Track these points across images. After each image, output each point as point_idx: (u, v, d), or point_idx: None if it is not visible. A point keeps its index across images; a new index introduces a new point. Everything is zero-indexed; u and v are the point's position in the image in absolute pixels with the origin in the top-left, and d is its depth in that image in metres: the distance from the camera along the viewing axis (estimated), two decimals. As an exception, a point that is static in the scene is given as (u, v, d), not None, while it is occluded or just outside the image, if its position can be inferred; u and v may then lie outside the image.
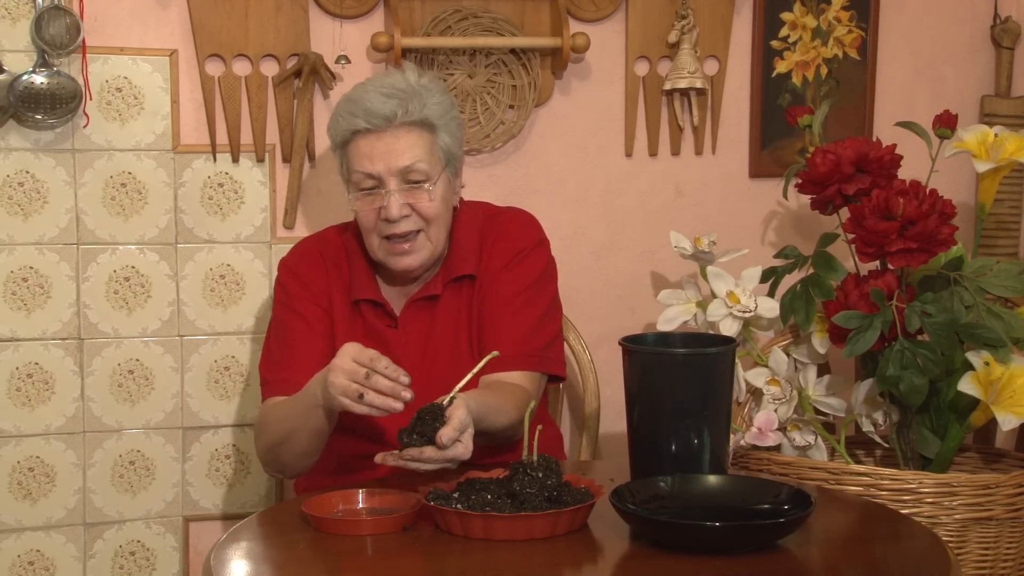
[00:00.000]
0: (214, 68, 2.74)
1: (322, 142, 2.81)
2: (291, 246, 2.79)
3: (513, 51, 2.86)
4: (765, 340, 2.63)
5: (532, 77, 2.88)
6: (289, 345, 2.38)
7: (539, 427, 1.99)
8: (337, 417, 2.18)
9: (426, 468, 1.99)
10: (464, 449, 1.98)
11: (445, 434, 1.95)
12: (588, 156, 2.98)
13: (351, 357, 2.05)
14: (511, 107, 2.89)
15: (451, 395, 2.02)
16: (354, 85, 2.38)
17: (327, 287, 2.40)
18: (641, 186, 3.01)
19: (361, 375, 2.03)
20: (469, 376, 2.05)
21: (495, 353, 2.07)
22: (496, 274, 2.38)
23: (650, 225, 3.02)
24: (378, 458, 2.02)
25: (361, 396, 2.03)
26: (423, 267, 2.35)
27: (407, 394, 2.03)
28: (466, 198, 2.50)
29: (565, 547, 1.86)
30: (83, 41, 2.63)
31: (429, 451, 1.96)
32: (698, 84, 2.91)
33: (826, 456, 2.56)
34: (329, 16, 2.79)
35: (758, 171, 3.06)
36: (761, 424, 2.48)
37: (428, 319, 2.38)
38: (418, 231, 2.31)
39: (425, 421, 1.98)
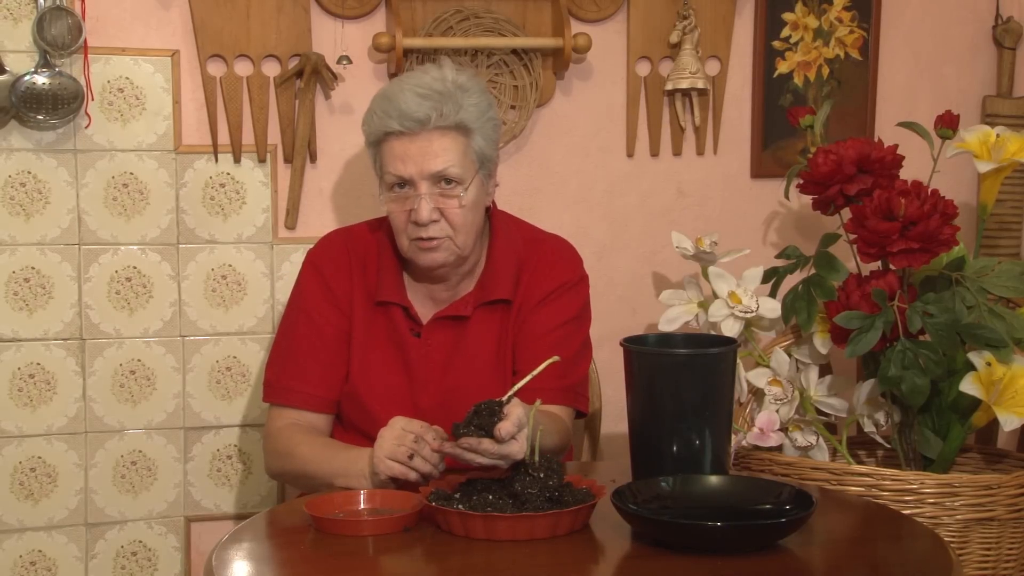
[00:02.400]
0: (216, 68, 2.74)
1: (324, 142, 2.81)
2: (291, 246, 2.80)
3: (515, 51, 2.86)
4: (767, 340, 2.63)
5: (534, 77, 2.88)
6: (296, 352, 2.38)
7: (540, 428, 1.99)
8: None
9: (479, 461, 1.96)
10: (519, 447, 1.95)
11: (504, 428, 1.93)
12: (590, 156, 2.98)
13: (403, 426, 2.08)
14: (513, 107, 2.89)
15: (509, 395, 2.00)
16: (392, 80, 2.34)
17: (348, 287, 2.39)
18: (643, 186, 3.01)
19: (410, 439, 2.06)
20: (528, 378, 2.02)
21: (556, 358, 2.05)
22: (536, 305, 2.37)
23: (652, 225, 3.02)
24: (435, 444, 2.03)
25: (411, 456, 2.05)
26: (449, 264, 2.33)
27: (442, 465, 2.06)
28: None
29: (567, 547, 1.86)
30: (85, 41, 2.63)
31: (487, 443, 1.94)
32: (700, 84, 2.91)
33: (828, 456, 2.56)
34: (331, 16, 2.79)
35: (760, 171, 3.06)
36: (763, 424, 2.48)
37: (454, 337, 2.36)
38: (445, 237, 2.29)
39: (482, 415, 1.96)
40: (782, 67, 3.03)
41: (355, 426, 2.37)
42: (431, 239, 2.27)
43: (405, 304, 2.37)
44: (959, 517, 2.29)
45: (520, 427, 1.95)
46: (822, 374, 2.61)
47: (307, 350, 2.37)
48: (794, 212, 3.08)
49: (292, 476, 2.34)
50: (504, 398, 1.99)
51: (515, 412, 1.95)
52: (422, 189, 2.26)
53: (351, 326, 2.37)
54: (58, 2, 2.60)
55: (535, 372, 2.03)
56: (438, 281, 2.38)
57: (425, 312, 2.38)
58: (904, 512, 2.19)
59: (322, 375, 2.36)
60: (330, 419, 2.39)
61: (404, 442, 2.06)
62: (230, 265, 2.80)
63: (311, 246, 2.50)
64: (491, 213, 2.43)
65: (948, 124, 2.61)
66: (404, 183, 2.27)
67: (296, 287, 2.44)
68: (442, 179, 2.26)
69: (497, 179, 2.42)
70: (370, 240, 2.42)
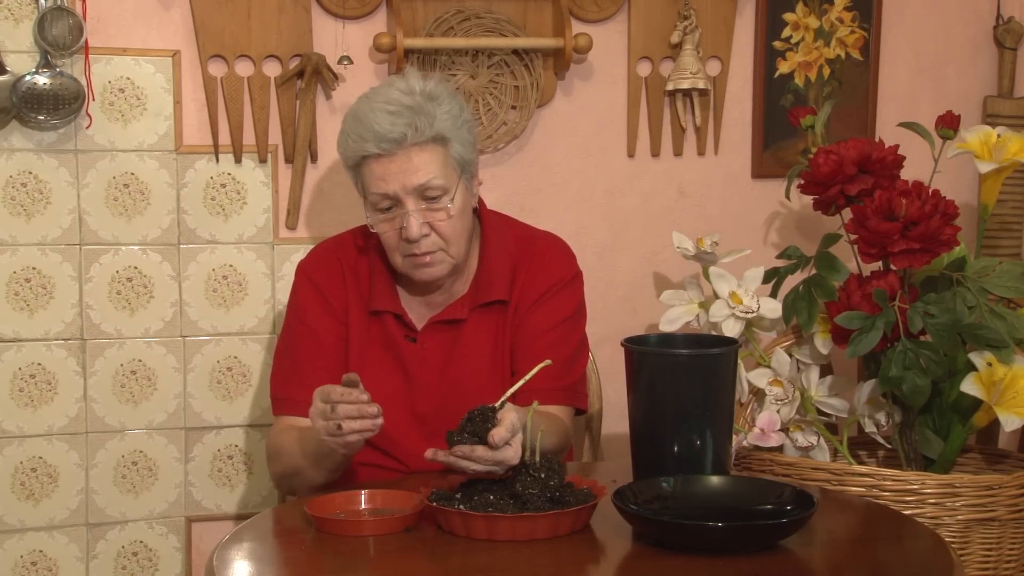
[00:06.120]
0: (217, 69, 2.74)
1: (325, 143, 2.81)
2: (292, 247, 2.80)
3: (515, 52, 2.86)
4: (767, 341, 2.63)
5: (535, 78, 2.88)
6: (298, 362, 2.37)
7: (541, 428, 1.99)
8: (356, 452, 2.14)
9: (474, 468, 1.94)
10: (514, 453, 1.93)
11: (497, 434, 1.91)
12: (591, 157, 2.98)
13: (319, 399, 2.04)
14: (513, 108, 2.89)
15: (501, 400, 1.98)
16: (358, 98, 2.31)
17: (344, 296, 2.38)
18: (643, 187, 3.01)
19: (328, 410, 2.01)
20: (521, 383, 2.01)
21: (548, 362, 2.04)
22: (533, 304, 2.36)
23: (652, 226, 3.02)
24: (428, 454, 1.99)
25: (339, 426, 2.00)
26: (447, 277, 2.33)
27: (372, 408, 2.00)
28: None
29: (568, 548, 1.86)
30: (86, 42, 2.63)
31: (480, 450, 1.92)
32: (700, 85, 2.91)
33: (828, 457, 2.56)
34: (332, 17, 2.79)
35: (760, 172, 3.06)
36: (763, 425, 2.48)
37: (451, 340, 2.36)
38: (438, 251, 2.28)
39: (476, 422, 1.95)
40: (783, 67, 3.03)
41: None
42: (425, 254, 2.27)
43: (399, 312, 2.36)
44: (960, 517, 2.29)
45: (514, 432, 1.93)
46: (823, 374, 2.61)
47: (310, 360, 2.36)
48: (795, 212, 3.08)
49: (288, 476, 2.32)
50: (497, 403, 1.98)
51: (508, 417, 1.94)
52: (409, 205, 2.24)
53: (348, 334, 2.37)
54: (59, 2, 2.60)
55: (528, 376, 2.02)
56: (433, 291, 2.37)
57: (420, 317, 2.38)
58: (905, 512, 2.19)
59: (318, 384, 2.35)
60: None
61: (327, 416, 2.01)
62: (231, 265, 2.80)
63: (312, 246, 2.50)
64: (481, 213, 2.43)
65: (949, 124, 2.61)
66: (389, 202, 2.26)
67: (292, 299, 2.43)
68: (427, 191, 2.25)
69: (480, 177, 2.41)
70: (360, 249, 2.42)
